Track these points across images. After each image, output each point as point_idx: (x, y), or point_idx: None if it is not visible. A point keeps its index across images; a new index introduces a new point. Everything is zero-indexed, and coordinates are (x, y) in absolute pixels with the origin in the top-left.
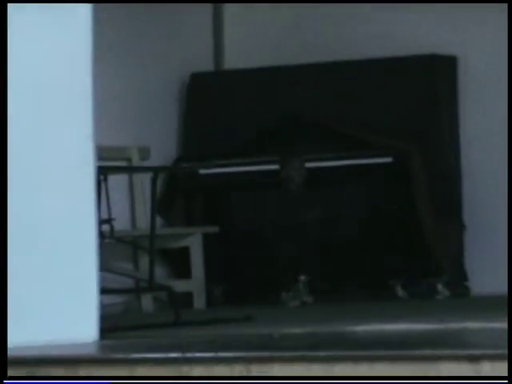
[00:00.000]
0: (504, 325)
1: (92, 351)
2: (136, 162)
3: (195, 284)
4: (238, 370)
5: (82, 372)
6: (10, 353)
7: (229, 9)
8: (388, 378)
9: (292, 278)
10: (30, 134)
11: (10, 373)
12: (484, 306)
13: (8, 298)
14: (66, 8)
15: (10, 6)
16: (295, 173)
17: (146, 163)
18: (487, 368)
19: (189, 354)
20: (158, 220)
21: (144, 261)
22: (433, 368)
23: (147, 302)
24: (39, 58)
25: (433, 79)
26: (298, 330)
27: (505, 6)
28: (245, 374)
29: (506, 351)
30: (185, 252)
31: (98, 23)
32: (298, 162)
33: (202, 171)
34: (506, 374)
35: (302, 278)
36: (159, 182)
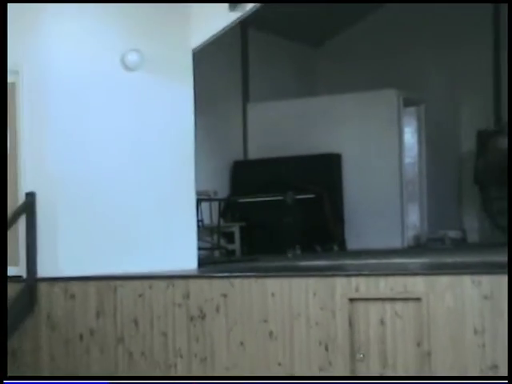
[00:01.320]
0: (359, 261)
1: (194, 272)
2: (212, 196)
3: (236, 246)
4: (253, 279)
5: (191, 282)
6: (154, 274)
7: (250, 131)
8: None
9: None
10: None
11: (155, 283)
12: (353, 255)
13: (153, 249)
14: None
15: None
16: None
17: (216, 197)
18: (358, 281)
19: (233, 274)
20: (222, 220)
21: (215, 237)
22: (333, 280)
23: (216, 253)
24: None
25: (330, 166)
26: (279, 260)
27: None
28: (256, 281)
29: (366, 272)
30: (232, 233)
31: None
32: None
33: (240, 200)
34: (371, 287)
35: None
36: (222, 205)
